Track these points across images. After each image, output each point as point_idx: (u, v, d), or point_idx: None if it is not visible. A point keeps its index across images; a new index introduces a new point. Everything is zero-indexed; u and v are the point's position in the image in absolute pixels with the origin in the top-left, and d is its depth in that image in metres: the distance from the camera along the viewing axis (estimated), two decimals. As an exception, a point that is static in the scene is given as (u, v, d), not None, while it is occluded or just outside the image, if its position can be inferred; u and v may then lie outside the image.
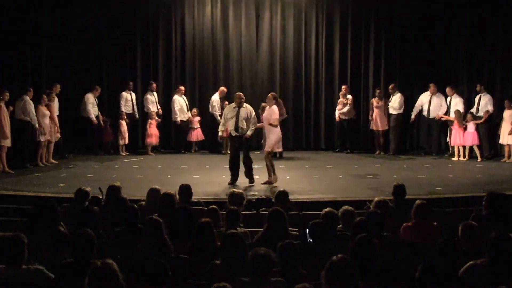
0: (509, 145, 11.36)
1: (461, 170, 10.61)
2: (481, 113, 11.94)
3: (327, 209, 5.45)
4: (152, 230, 4.78)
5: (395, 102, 12.68)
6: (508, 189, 7.81)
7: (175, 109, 12.83)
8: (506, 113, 11.47)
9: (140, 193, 7.41)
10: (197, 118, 13.13)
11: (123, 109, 12.72)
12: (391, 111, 12.74)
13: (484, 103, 11.99)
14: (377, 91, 12.92)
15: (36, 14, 11.80)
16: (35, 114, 10.54)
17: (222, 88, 12.88)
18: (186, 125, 13.05)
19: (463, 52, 12.96)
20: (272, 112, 9.17)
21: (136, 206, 5.64)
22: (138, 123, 13.16)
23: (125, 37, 13.25)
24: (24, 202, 7.77)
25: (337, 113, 12.96)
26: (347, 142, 13.13)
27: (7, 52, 11.40)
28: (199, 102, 13.39)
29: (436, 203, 7.41)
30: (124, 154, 12.50)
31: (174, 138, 13.38)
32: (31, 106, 10.51)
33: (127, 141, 12.65)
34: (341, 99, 12.86)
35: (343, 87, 12.98)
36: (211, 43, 13.46)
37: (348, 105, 12.77)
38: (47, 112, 10.90)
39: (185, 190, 6.51)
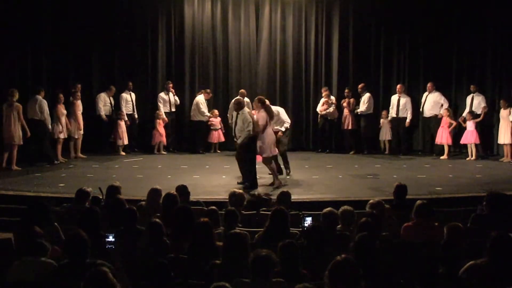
0: (507, 144, 11.37)
1: (461, 170, 10.61)
2: (478, 112, 12.03)
3: (327, 209, 5.43)
4: (153, 233, 4.79)
5: (364, 102, 12.68)
6: (508, 189, 7.81)
7: (201, 109, 12.83)
8: (503, 113, 11.48)
9: (140, 193, 7.41)
10: (218, 119, 13.10)
11: (124, 110, 12.71)
12: (360, 111, 12.74)
13: (477, 103, 12.08)
14: (346, 90, 12.93)
15: (35, 15, 11.81)
16: (49, 113, 10.83)
17: (242, 90, 12.54)
18: (206, 126, 13.04)
19: (461, 52, 12.99)
20: (259, 118, 8.89)
21: (134, 207, 5.63)
22: (136, 122, 13.11)
23: (125, 36, 13.21)
24: (24, 202, 7.77)
25: (319, 109, 12.97)
26: (326, 143, 13.16)
27: (7, 52, 11.40)
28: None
29: (436, 203, 7.40)
30: (123, 154, 12.50)
31: (191, 138, 13.31)
32: (46, 105, 10.79)
33: (125, 142, 12.63)
34: (325, 100, 12.84)
35: (324, 88, 12.96)
36: (211, 43, 13.45)
37: (333, 105, 12.79)
38: (65, 111, 11.34)
39: (182, 190, 6.50)
